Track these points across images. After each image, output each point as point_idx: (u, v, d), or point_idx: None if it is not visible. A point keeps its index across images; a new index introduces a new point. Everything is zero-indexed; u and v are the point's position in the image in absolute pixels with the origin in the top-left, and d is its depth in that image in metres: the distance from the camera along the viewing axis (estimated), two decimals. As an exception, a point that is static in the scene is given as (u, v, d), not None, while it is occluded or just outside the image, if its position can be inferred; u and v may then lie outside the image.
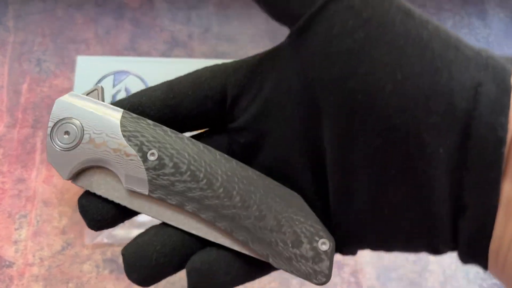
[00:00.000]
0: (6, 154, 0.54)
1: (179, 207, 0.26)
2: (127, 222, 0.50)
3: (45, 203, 0.52)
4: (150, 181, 0.26)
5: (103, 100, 0.27)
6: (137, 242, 0.26)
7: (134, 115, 0.26)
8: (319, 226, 0.25)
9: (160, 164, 0.25)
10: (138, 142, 0.26)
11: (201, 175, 0.26)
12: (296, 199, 0.26)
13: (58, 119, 0.26)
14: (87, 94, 0.27)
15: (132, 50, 0.60)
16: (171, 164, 0.25)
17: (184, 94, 0.27)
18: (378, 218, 0.24)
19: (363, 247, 0.26)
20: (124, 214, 0.27)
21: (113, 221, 0.27)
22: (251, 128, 0.27)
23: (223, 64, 0.28)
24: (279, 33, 0.61)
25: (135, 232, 0.51)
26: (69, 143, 0.26)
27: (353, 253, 0.27)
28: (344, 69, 0.22)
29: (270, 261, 0.25)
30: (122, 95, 0.50)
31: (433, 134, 0.21)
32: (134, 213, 0.27)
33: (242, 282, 0.26)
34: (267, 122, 0.27)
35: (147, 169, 0.25)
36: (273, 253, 0.25)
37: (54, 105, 0.26)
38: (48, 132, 0.26)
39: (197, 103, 0.28)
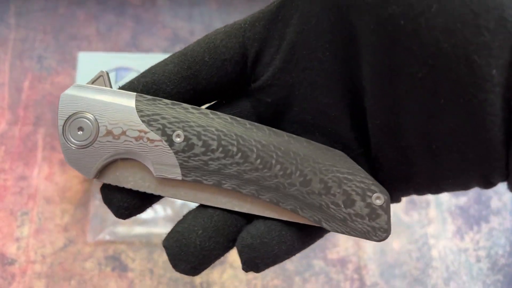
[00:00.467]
0: (7, 152, 0.53)
1: (217, 187, 0.24)
2: (129, 219, 0.50)
3: (47, 200, 0.52)
4: (181, 165, 0.24)
5: (110, 86, 0.25)
6: (177, 230, 0.25)
7: (148, 96, 0.24)
8: (369, 181, 0.24)
9: (188, 145, 0.24)
10: (160, 126, 0.24)
11: (234, 149, 0.24)
12: (338, 156, 0.25)
13: (67, 116, 0.24)
14: (93, 83, 0.25)
15: (134, 47, 0.59)
16: (200, 143, 0.24)
17: (200, 62, 0.25)
18: (427, 154, 0.23)
19: (409, 191, 0.25)
20: (151, 198, 0.26)
21: (142, 205, 0.26)
22: (278, 82, 0.25)
23: (236, 22, 0.26)
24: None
25: (138, 230, 0.51)
26: (85, 140, 0.24)
27: (397, 200, 0.26)
28: None
29: (324, 225, 0.24)
30: (124, 92, 0.50)
31: (484, 54, 0.19)
32: (162, 196, 0.26)
33: (298, 250, 0.25)
34: (296, 71, 0.24)
35: (175, 153, 0.24)
36: (326, 217, 0.24)
37: (60, 101, 0.24)
38: (60, 131, 0.24)
39: (216, 68, 0.25)
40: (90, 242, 0.50)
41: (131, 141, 0.24)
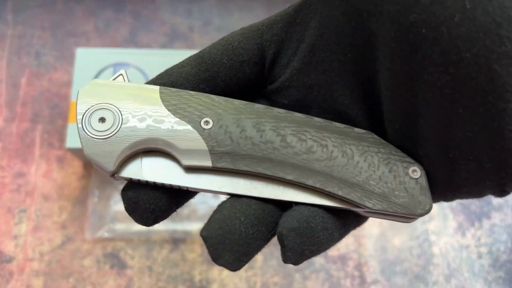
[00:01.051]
0: (5, 149, 0.53)
1: (251, 174, 0.23)
2: (127, 216, 0.49)
3: (45, 197, 0.51)
4: (211, 151, 0.23)
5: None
6: (218, 218, 0.23)
7: (173, 89, 0.24)
8: (402, 155, 0.24)
9: (218, 129, 0.23)
10: (187, 114, 0.23)
11: (267, 128, 0.23)
12: (369, 135, 0.24)
13: (87, 108, 0.23)
14: (113, 80, 0.24)
15: (132, 43, 0.59)
16: (230, 128, 0.23)
17: (218, 64, 0.25)
18: (444, 162, 0.23)
19: (432, 196, 0.25)
20: (178, 198, 0.25)
21: (169, 207, 0.24)
22: (295, 84, 0.25)
23: (253, 25, 0.26)
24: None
25: (136, 227, 0.50)
26: (107, 129, 0.23)
27: None
28: (406, 0, 0.20)
29: (366, 203, 0.23)
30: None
31: (505, 64, 0.19)
32: (189, 196, 0.25)
33: (336, 240, 0.25)
34: (314, 73, 0.24)
35: (204, 138, 0.23)
36: (367, 195, 0.23)
37: (78, 96, 0.23)
38: (79, 124, 0.23)
39: (235, 70, 0.25)
40: (89, 239, 0.50)
41: (157, 129, 0.23)
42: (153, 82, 0.25)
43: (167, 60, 0.51)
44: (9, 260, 0.49)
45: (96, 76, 0.50)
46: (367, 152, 0.24)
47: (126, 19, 0.60)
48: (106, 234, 0.50)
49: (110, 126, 0.23)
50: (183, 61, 0.26)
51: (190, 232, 0.51)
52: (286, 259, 0.23)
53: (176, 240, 0.51)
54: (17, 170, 0.52)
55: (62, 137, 0.53)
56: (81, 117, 0.23)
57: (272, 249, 0.50)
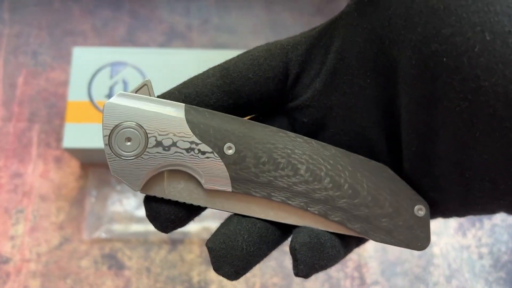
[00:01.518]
0: (2, 149, 0.53)
1: (266, 198, 0.25)
2: (125, 217, 0.49)
3: (42, 198, 0.51)
4: (232, 177, 0.24)
5: (154, 95, 0.24)
6: (223, 232, 0.25)
7: (199, 108, 0.24)
8: (412, 193, 0.25)
9: (240, 157, 0.24)
10: (212, 138, 0.24)
11: (284, 162, 0.24)
12: (382, 169, 0.25)
13: (114, 125, 0.23)
14: (136, 91, 0.24)
15: (130, 42, 0.59)
16: (251, 155, 0.24)
17: (244, 78, 0.26)
18: (459, 181, 0.23)
19: (436, 215, 0.26)
20: (196, 210, 0.26)
21: (188, 217, 0.26)
22: (316, 104, 0.26)
23: (278, 42, 0.27)
24: (280, 24, 0.60)
25: (134, 227, 0.50)
26: (133, 151, 0.23)
27: None
28: (427, 30, 0.21)
29: (370, 236, 0.25)
30: (119, 87, 0.49)
31: None
32: (206, 208, 0.26)
33: (340, 258, 0.26)
34: (335, 95, 0.26)
35: (227, 165, 0.24)
36: (372, 228, 0.25)
37: (104, 110, 0.23)
38: (105, 141, 0.23)
39: (259, 86, 0.26)
40: (86, 240, 0.50)
41: (181, 153, 0.24)
42: (178, 90, 0.26)
43: (165, 59, 0.51)
44: (6, 261, 0.48)
45: (93, 76, 0.49)
46: (379, 189, 0.25)
47: (124, 18, 0.60)
48: (103, 235, 0.50)
49: (136, 147, 0.23)
50: (208, 71, 0.26)
51: (188, 233, 0.50)
52: (298, 272, 0.24)
53: (174, 241, 0.50)
54: (14, 170, 0.52)
55: (59, 137, 0.53)
56: (108, 134, 0.23)
57: (271, 250, 0.50)
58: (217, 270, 0.25)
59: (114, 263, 0.49)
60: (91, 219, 0.50)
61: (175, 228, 0.26)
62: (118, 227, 0.50)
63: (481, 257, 0.52)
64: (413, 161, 0.25)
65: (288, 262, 0.49)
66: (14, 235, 0.49)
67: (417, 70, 0.22)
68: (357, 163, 0.25)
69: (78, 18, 0.59)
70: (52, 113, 0.54)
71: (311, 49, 0.26)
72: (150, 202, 0.25)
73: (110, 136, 0.23)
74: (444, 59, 0.21)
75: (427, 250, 0.52)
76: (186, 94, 0.25)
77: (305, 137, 0.25)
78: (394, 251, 0.51)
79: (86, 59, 0.50)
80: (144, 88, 0.24)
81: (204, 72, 0.26)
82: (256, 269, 0.49)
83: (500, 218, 0.54)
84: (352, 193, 0.25)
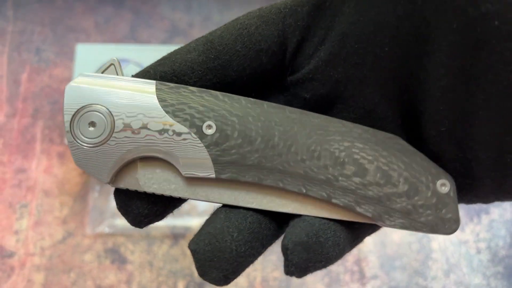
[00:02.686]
0: (6, 144, 0.53)
1: (256, 185, 0.21)
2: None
3: (45, 193, 0.52)
4: (214, 160, 0.20)
5: (122, 75, 0.21)
6: (209, 232, 0.21)
7: (171, 84, 0.21)
8: (432, 166, 0.21)
9: (222, 136, 0.20)
10: (188, 116, 0.20)
11: (276, 139, 0.21)
12: (395, 140, 0.22)
13: (75, 110, 0.20)
14: (102, 72, 0.21)
15: (132, 39, 0.59)
16: (235, 134, 0.20)
17: (231, 52, 0.22)
18: (496, 167, 0.21)
19: (462, 201, 0.23)
20: (174, 203, 0.23)
21: (164, 210, 0.22)
22: (320, 77, 0.22)
23: (273, 6, 0.23)
24: (281, 21, 0.61)
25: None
26: (98, 136, 0.20)
27: None
28: None
29: (386, 222, 0.21)
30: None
31: None
32: (185, 200, 0.23)
33: (349, 250, 0.23)
34: (343, 66, 0.21)
35: (207, 147, 0.20)
36: (387, 211, 0.21)
37: (66, 93, 0.20)
38: (66, 128, 0.20)
39: (249, 59, 0.22)
40: (89, 235, 0.50)
41: (153, 135, 0.20)
42: (153, 68, 0.22)
43: (167, 56, 0.51)
44: (11, 255, 0.49)
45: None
46: (390, 163, 0.21)
47: (126, 15, 0.60)
48: (106, 229, 0.50)
49: (101, 132, 0.20)
50: (189, 44, 0.22)
51: (190, 228, 0.51)
52: (288, 272, 0.21)
53: (177, 235, 0.51)
54: (18, 166, 0.52)
55: (62, 133, 0.54)
56: (69, 120, 0.20)
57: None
58: (203, 275, 0.21)
59: (117, 257, 0.50)
60: (94, 214, 0.51)
61: (150, 222, 0.22)
62: (121, 222, 0.51)
63: (479, 251, 0.52)
64: (441, 143, 0.21)
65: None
66: (18, 229, 0.50)
67: (459, 36, 0.18)
68: (366, 136, 0.22)
69: (81, 15, 0.60)
70: (56, 109, 0.55)
71: (315, 11, 0.22)
72: (120, 195, 0.22)
73: (72, 122, 0.20)
74: (496, 22, 0.17)
75: (425, 244, 0.52)
76: (162, 73, 0.22)
77: (301, 110, 0.22)
78: (393, 246, 0.52)
79: (89, 56, 0.50)
80: (111, 68, 0.21)
81: (185, 46, 0.22)
82: (257, 263, 0.50)
83: (498, 213, 0.54)
84: (358, 170, 0.21)
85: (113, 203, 0.51)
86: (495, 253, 0.52)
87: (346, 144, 0.21)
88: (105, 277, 0.49)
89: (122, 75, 0.21)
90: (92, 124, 0.20)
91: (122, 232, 0.50)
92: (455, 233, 0.53)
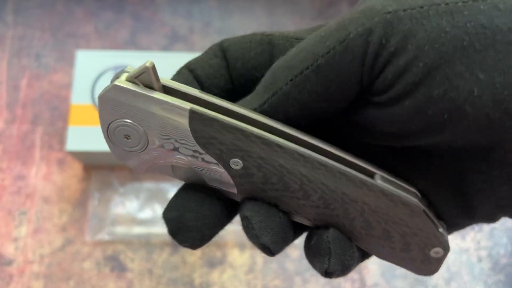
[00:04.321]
0: (5, 151, 0.53)
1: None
2: (128, 219, 0.49)
3: (45, 200, 0.51)
4: (237, 185, 0.22)
5: (156, 83, 0.20)
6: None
7: (205, 111, 0.20)
8: (434, 236, 0.23)
9: (246, 173, 0.22)
10: (217, 151, 0.21)
11: (297, 187, 0.22)
12: (412, 210, 0.22)
13: (110, 121, 0.21)
14: (136, 78, 0.20)
15: (133, 44, 0.59)
16: (259, 174, 0.22)
17: (232, 67, 0.24)
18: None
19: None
20: (225, 215, 0.24)
21: (216, 224, 0.24)
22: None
23: (272, 35, 0.24)
24: (281, 27, 0.61)
25: (137, 230, 0.50)
26: (134, 147, 0.21)
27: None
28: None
29: (375, 253, 0.24)
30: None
31: None
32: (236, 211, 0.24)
33: (356, 265, 0.24)
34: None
35: (232, 176, 0.22)
36: (379, 251, 0.24)
37: (98, 103, 0.21)
38: (104, 134, 0.21)
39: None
40: (89, 242, 0.50)
41: (184, 158, 0.22)
42: (184, 74, 0.25)
43: (167, 62, 0.51)
44: (9, 262, 0.49)
45: (96, 79, 0.50)
46: (398, 228, 0.23)
47: (126, 20, 0.60)
48: (106, 237, 0.50)
49: (136, 145, 0.21)
50: (207, 51, 0.25)
51: (190, 235, 0.51)
52: (330, 266, 0.22)
53: (176, 243, 0.50)
54: (17, 172, 0.52)
55: (62, 139, 0.53)
56: (106, 129, 0.21)
57: (272, 252, 0.50)
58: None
59: (117, 265, 0.50)
60: (93, 221, 0.51)
61: (204, 240, 0.24)
62: (120, 229, 0.50)
63: (480, 260, 0.52)
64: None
65: (289, 264, 0.50)
66: (17, 237, 0.50)
67: None
68: (384, 201, 0.22)
69: (81, 21, 0.60)
70: (55, 115, 0.55)
71: None
72: (169, 213, 0.23)
73: (108, 132, 0.21)
74: None
75: (426, 253, 0.52)
76: (196, 76, 0.24)
77: (331, 163, 0.22)
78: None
79: (89, 62, 0.50)
80: (144, 76, 0.20)
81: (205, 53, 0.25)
82: (258, 271, 0.50)
83: (499, 221, 0.54)
84: (364, 225, 0.23)
85: (112, 211, 0.51)
86: (496, 261, 0.52)
87: (359, 203, 0.22)
88: (105, 285, 0.49)
89: (156, 81, 0.20)
90: (127, 137, 0.21)
91: (122, 240, 0.50)
92: (456, 241, 0.53)
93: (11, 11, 0.60)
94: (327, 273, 0.22)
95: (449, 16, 0.18)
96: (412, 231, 0.23)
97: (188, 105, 0.20)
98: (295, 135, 0.22)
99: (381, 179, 0.22)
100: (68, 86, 0.56)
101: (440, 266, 0.24)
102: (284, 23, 0.61)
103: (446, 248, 0.23)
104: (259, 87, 0.22)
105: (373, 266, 0.51)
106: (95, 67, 0.50)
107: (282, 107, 0.21)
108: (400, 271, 0.51)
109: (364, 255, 0.25)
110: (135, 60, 0.51)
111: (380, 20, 0.19)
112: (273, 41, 0.24)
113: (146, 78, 0.20)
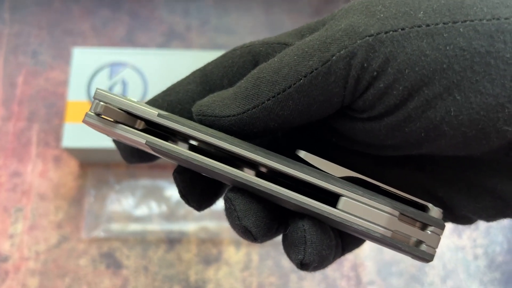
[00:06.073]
0: (1, 148, 0.53)
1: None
2: (123, 216, 0.49)
3: (41, 197, 0.51)
4: None
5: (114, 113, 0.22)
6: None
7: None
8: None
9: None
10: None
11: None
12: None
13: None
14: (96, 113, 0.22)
15: (130, 42, 0.59)
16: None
17: (220, 87, 0.24)
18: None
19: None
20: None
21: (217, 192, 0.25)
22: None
23: (252, 44, 0.24)
24: (278, 25, 0.61)
25: (132, 227, 0.50)
26: None
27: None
28: None
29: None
30: (119, 88, 0.50)
31: None
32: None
33: (338, 257, 0.24)
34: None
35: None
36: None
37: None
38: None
39: None
40: (85, 239, 0.50)
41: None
42: (161, 97, 0.25)
43: (164, 60, 0.51)
44: (5, 259, 0.49)
45: (93, 76, 0.50)
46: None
47: (123, 18, 0.60)
48: (102, 234, 0.50)
49: None
50: (189, 76, 0.25)
51: (186, 232, 0.51)
52: (305, 256, 0.21)
53: (172, 240, 0.51)
54: (13, 169, 0.52)
55: (58, 136, 0.53)
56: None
57: (268, 249, 0.50)
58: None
59: (112, 262, 0.49)
60: (89, 218, 0.51)
61: (210, 202, 0.25)
62: (116, 226, 0.50)
63: (476, 257, 0.52)
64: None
65: (285, 261, 0.50)
66: (13, 233, 0.50)
67: None
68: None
69: (78, 18, 0.60)
70: (52, 112, 0.55)
71: None
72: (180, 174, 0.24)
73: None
74: None
75: (422, 250, 0.52)
76: (169, 102, 0.24)
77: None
78: (390, 251, 0.52)
79: (85, 59, 0.50)
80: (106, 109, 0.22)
81: (185, 78, 0.25)
82: (253, 269, 0.50)
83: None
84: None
85: (108, 208, 0.51)
86: (492, 259, 0.52)
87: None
88: (100, 281, 0.49)
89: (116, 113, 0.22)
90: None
91: (118, 237, 0.50)
92: (452, 239, 0.53)
93: (8, 8, 0.60)
94: (303, 265, 0.21)
95: (429, 38, 0.19)
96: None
97: (143, 139, 0.21)
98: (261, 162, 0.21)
99: (345, 204, 0.20)
100: (64, 83, 0.56)
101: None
102: (281, 21, 0.61)
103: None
104: (240, 92, 0.21)
105: (369, 263, 0.51)
106: (92, 64, 0.50)
107: (262, 120, 0.21)
108: (396, 268, 0.51)
109: (345, 248, 0.25)
110: (132, 57, 0.51)
111: (362, 44, 0.19)
112: (254, 50, 0.24)
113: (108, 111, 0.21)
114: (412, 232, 0.21)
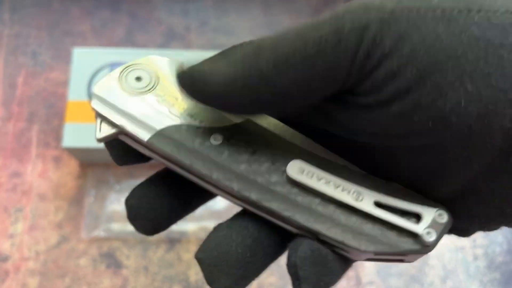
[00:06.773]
0: (1, 148, 0.53)
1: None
2: (124, 216, 0.49)
3: (41, 197, 0.51)
4: None
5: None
6: (213, 240, 0.22)
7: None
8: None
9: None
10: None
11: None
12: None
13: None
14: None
15: (129, 43, 0.59)
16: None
17: None
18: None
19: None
20: (181, 208, 0.25)
21: (169, 218, 0.24)
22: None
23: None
24: (277, 25, 0.61)
25: (132, 227, 0.50)
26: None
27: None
28: None
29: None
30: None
31: None
32: (196, 205, 0.26)
33: (345, 271, 0.23)
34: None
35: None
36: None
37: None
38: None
39: None
40: (84, 239, 0.50)
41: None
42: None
43: (164, 60, 0.51)
44: (5, 259, 0.49)
45: (93, 76, 0.50)
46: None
47: (123, 19, 0.60)
48: (102, 234, 0.50)
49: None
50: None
51: (186, 232, 0.51)
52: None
53: (172, 240, 0.51)
54: (13, 170, 0.52)
55: (58, 137, 0.53)
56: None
57: (268, 250, 0.50)
58: (212, 283, 0.21)
59: (112, 262, 0.49)
60: (89, 218, 0.51)
61: (156, 230, 0.24)
62: (116, 226, 0.50)
63: (475, 258, 0.52)
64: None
65: (284, 261, 0.50)
66: (13, 233, 0.50)
67: None
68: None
69: (77, 19, 0.60)
70: (51, 113, 0.55)
71: None
72: (130, 200, 0.24)
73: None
74: None
75: (422, 250, 0.52)
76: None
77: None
78: (390, 252, 0.52)
79: (85, 59, 0.50)
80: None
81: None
82: (253, 269, 0.50)
83: (494, 219, 0.54)
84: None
85: (108, 208, 0.51)
86: (492, 259, 0.52)
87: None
88: (100, 281, 0.49)
89: None
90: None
91: (118, 237, 0.50)
92: (452, 239, 0.53)
93: (8, 9, 0.60)
94: None
95: (445, 23, 0.18)
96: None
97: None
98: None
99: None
100: (64, 84, 0.56)
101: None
102: (280, 22, 0.61)
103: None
104: (237, 54, 0.20)
105: (369, 264, 0.51)
106: (92, 64, 0.50)
107: (255, 88, 0.19)
108: (395, 269, 0.51)
109: (348, 262, 0.23)
110: (131, 57, 0.51)
111: (376, 18, 0.18)
112: None
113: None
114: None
